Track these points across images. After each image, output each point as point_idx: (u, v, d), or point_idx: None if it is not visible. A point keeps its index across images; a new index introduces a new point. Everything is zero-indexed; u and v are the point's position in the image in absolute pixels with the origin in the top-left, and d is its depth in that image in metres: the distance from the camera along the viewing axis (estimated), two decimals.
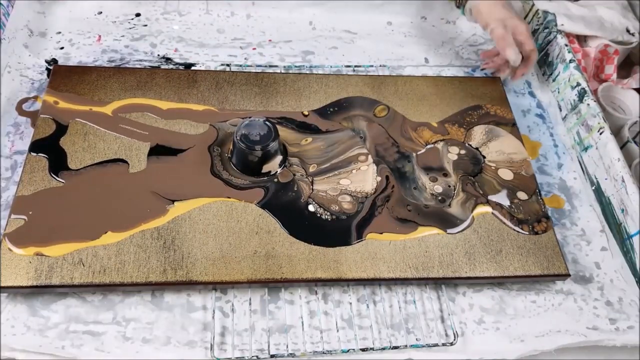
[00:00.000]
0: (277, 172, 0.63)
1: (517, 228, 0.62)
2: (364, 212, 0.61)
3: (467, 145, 0.70)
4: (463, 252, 0.60)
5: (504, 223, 0.63)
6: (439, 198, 0.64)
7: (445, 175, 0.66)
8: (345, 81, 0.74)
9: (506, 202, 0.64)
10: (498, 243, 0.61)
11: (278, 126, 0.65)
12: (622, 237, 0.65)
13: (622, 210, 0.65)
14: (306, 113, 0.70)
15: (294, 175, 0.63)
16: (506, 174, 0.67)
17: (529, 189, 0.66)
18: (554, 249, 0.61)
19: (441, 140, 0.70)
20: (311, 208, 0.61)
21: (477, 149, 0.69)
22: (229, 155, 0.64)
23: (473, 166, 0.67)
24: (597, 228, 0.67)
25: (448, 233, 0.61)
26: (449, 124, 0.71)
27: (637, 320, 0.60)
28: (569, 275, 0.60)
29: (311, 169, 0.64)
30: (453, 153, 0.68)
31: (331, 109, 0.71)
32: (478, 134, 0.71)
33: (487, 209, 0.64)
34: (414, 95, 0.74)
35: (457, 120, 0.72)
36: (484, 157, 0.69)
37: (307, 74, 0.75)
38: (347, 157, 0.66)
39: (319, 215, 0.60)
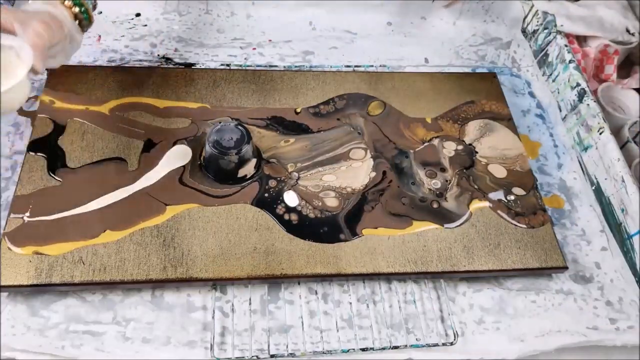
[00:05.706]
0: (253, 174, 0.62)
1: (514, 222, 0.63)
2: (350, 206, 0.62)
3: (462, 141, 0.70)
4: (461, 246, 0.60)
5: (502, 217, 0.63)
6: (437, 193, 0.64)
7: (443, 170, 0.66)
8: (342, 78, 0.74)
9: (502, 197, 0.65)
10: (496, 237, 0.62)
11: (261, 129, 0.65)
12: (622, 237, 0.65)
13: (622, 210, 0.65)
14: (298, 110, 0.70)
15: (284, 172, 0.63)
16: (498, 170, 0.67)
17: (525, 185, 0.66)
18: (552, 242, 0.62)
19: (436, 137, 0.70)
20: (293, 204, 0.61)
21: (470, 144, 0.70)
22: (201, 162, 0.63)
23: (470, 161, 0.68)
24: (597, 228, 0.67)
25: (446, 227, 0.61)
26: (443, 121, 0.72)
27: (637, 320, 0.60)
28: (566, 267, 0.60)
29: (290, 169, 0.64)
30: (449, 149, 0.69)
31: (325, 109, 0.70)
32: (472, 129, 0.71)
33: (485, 203, 0.64)
34: (411, 91, 0.74)
35: (452, 116, 0.72)
36: (477, 152, 0.69)
37: (304, 71, 0.75)
38: (336, 155, 0.66)
39: (299, 209, 0.60)
